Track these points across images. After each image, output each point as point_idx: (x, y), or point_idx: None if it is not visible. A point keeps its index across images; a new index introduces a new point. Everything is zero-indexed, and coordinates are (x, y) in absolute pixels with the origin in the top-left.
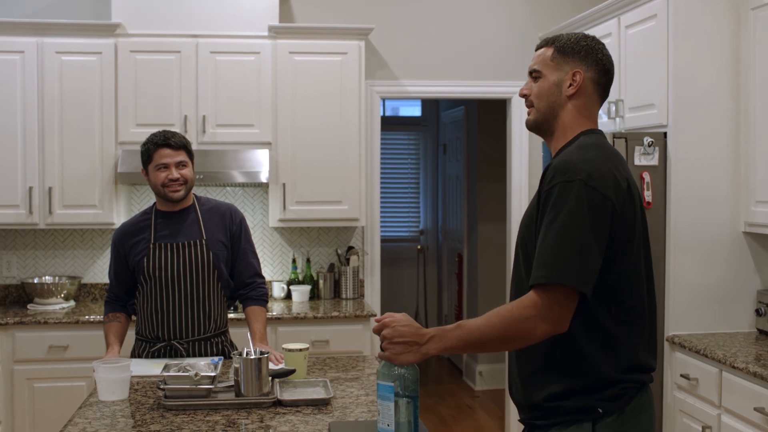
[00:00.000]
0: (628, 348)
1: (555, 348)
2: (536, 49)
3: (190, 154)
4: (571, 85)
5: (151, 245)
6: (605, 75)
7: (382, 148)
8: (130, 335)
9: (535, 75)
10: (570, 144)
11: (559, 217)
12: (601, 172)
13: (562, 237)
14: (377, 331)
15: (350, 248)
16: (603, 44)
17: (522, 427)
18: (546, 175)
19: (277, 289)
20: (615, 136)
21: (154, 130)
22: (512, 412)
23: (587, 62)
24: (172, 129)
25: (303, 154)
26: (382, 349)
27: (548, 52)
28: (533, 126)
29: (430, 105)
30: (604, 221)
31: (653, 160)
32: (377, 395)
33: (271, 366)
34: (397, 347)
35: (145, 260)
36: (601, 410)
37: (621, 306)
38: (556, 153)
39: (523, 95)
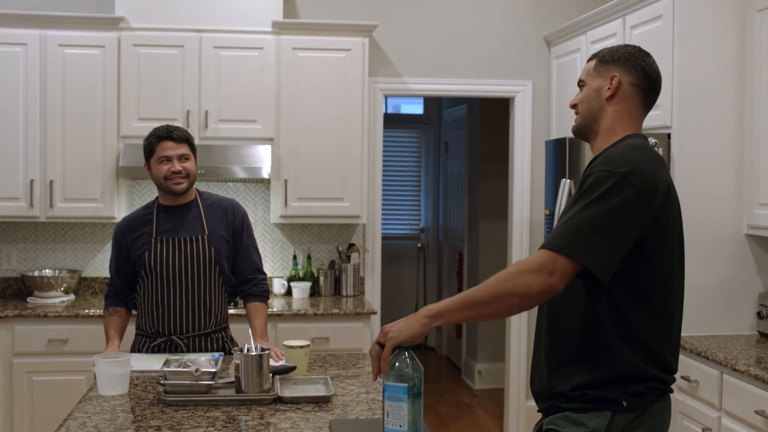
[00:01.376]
0: (655, 348)
1: (586, 341)
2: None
3: (192, 147)
4: (609, 88)
5: (153, 239)
6: (646, 79)
7: (383, 146)
8: (130, 330)
9: (581, 85)
10: (616, 145)
11: (589, 199)
12: (643, 172)
13: (585, 216)
14: (378, 344)
15: (351, 245)
16: (647, 53)
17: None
18: (588, 167)
19: (278, 286)
20: None
21: (157, 124)
22: (511, 411)
23: (626, 67)
24: (175, 124)
25: (305, 151)
26: (380, 344)
27: (592, 63)
28: (576, 130)
29: (432, 103)
30: (634, 217)
31: None
32: (386, 396)
33: (272, 363)
34: (396, 325)
35: (147, 254)
36: (625, 403)
37: (651, 306)
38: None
39: (571, 106)
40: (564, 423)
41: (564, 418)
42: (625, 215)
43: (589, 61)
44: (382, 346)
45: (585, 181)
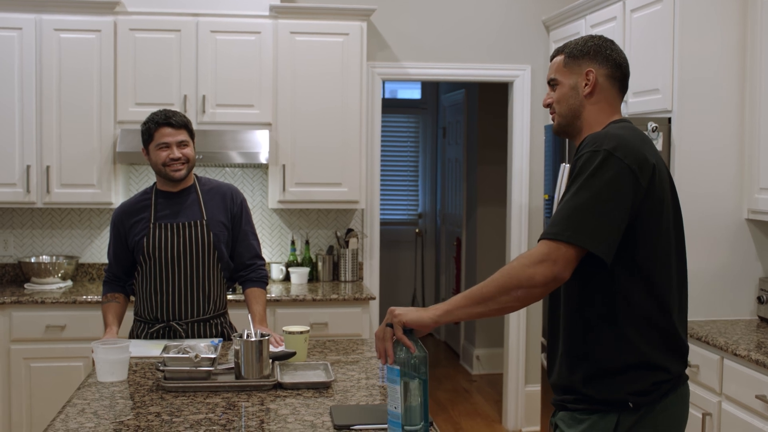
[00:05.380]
0: (661, 327)
1: (589, 327)
2: (550, 60)
3: (191, 133)
4: (586, 84)
5: (152, 225)
6: (618, 69)
7: (381, 131)
8: (129, 316)
9: (552, 83)
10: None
11: (581, 181)
12: (628, 146)
13: (578, 199)
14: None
15: (349, 231)
16: (612, 41)
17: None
18: (577, 151)
19: (276, 271)
20: None
21: (153, 109)
22: (510, 396)
23: (598, 60)
24: (172, 108)
25: (303, 136)
26: (389, 325)
27: (560, 59)
28: (558, 130)
29: (430, 88)
30: (626, 190)
31: (657, 146)
32: (386, 378)
33: (272, 348)
34: (404, 308)
35: (145, 240)
36: (631, 404)
37: (652, 284)
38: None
39: (546, 105)
40: (571, 422)
41: (571, 417)
42: (617, 190)
43: (554, 57)
44: (392, 328)
45: (575, 165)
